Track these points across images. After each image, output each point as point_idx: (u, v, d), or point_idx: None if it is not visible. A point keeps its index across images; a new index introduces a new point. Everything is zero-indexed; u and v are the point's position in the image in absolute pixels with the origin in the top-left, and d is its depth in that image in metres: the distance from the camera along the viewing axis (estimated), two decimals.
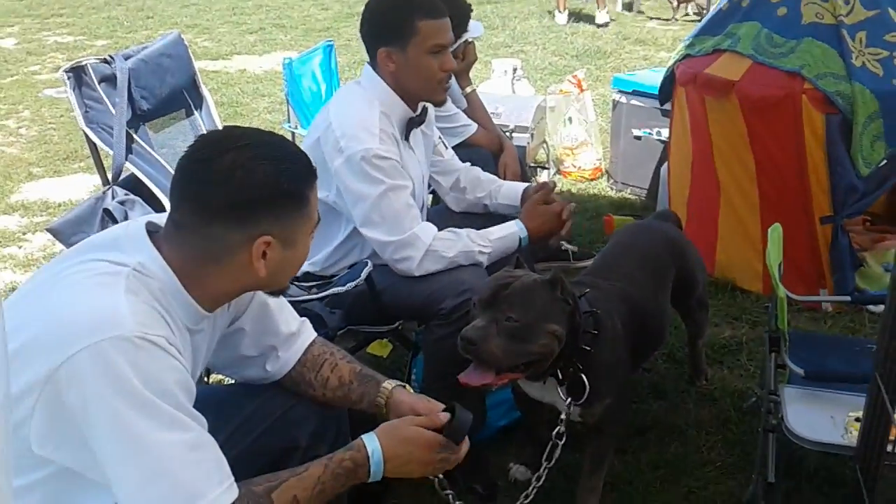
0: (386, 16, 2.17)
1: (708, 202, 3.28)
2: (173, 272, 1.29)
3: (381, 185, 2.10)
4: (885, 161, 2.88)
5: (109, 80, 2.40)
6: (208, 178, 1.28)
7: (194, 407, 1.28)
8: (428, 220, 2.42)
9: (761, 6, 3.11)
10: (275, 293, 1.48)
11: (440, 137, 2.54)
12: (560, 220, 2.34)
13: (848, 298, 2.61)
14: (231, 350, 1.55)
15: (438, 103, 2.30)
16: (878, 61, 2.87)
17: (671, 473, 2.17)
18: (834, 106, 2.83)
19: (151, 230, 1.34)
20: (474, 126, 3.10)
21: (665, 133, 3.83)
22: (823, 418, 1.88)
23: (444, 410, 1.52)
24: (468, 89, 3.23)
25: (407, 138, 2.26)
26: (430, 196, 2.52)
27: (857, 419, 1.78)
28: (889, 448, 1.63)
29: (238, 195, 1.27)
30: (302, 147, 2.34)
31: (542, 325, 1.76)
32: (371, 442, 1.42)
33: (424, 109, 2.30)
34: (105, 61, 2.42)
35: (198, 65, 2.90)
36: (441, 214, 2.57)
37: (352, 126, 2.12)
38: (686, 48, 3.39)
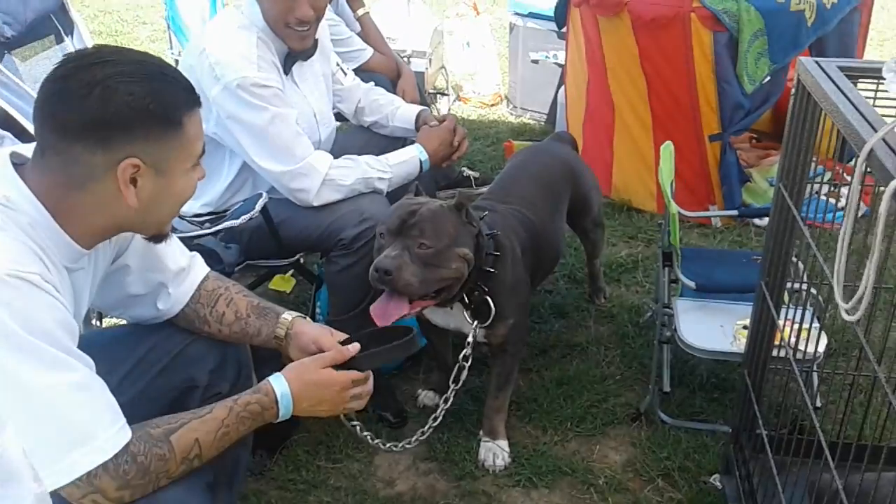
0: None
1: (603, 124, 3.32)
2: (42, 205, 1.20)
3: (265, 111, 2.01)
4: (768, 78, 2.98)
5: None
6: (67, 96, 1.18)
7: (85, 350, 1.21)
8: (335, 145, 2.36)
9: None
10: (156, 238, 1.38)
11: (338, 64, 2.45)
12: (453, 138, 2.31)
13: (735, 213, 2.72)
14: (117, 289, 1.47)
15: (293, 49, 2.12)
16: None
17: (573, 389, 2.24)
18: (721, 24, 2.89)
19: (17, 162, 1.23)
20: (370, 51, 3.01)
21: (562, 56, 3.83)
22: (713, 328, 1.97)
23: (345, 342, 1.50)
24: (360, 12, 3.12)
25: (288, 72, 2.15)
26: (334, 129, 2.45)
27: (745, 327, 1.88)
28: (773, 353, 1.73)
29: (97, 113, 1.17)
30: None
31: (453, 249, 1.77)
32: (279, 385, 1.38)
33: (313, 43, 2.20)
34: None
35: None
36: (344, 139, 2.51)
37: (227, 52, 2.02)
38: None
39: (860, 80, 1.52)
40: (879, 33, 5.59)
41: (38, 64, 2.41)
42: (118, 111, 1.18)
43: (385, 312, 1.75)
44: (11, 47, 2.33)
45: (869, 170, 1.19)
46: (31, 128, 2.17)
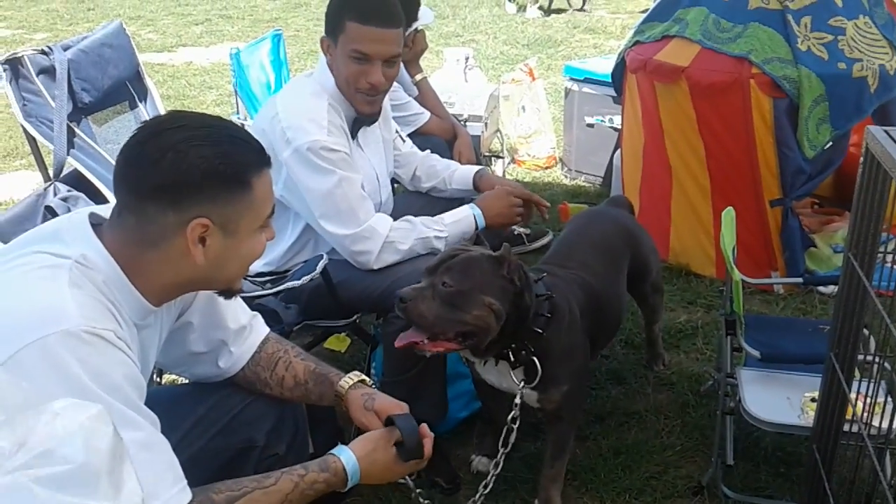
0: (331, 4, 2.12)
1: (660, 188, 3.30)
2: (117, 264, 1.24)
3: (333, 175, 2.06)
4: (830, 143, 2.94)
5: (48, 71, 2.30)
6: (143, 160, 1.23)
7: (147, 407, 1.23)
8: (393, 208, 2.39)
9: None
10: (226, 293, 1.42)
11: (398, 131, 2.51)
12: (514, 206, 2.32)
13: (800, 280, 2.65)
14: (180, 346, 1.50)
15: (360, 113, 2.16)
16: (823, 45, 2.92)
17: (632, 459, 2.18)
18: (781, 90, 2.87)
19: (94, 222, 1.28)
20: (427, 114, 3.08)
21: (617, 120, 3.85)
22: (780, 399, 1.91)
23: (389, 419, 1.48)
24: (418, 77, 3.20)
25: (355, 136, 2.21)
26: (391, 192, 2.50)
27: (813, 399, 1.81)
28: (845, 427, 1.66)
29: (170, 175, 1.22)
30: None
31: (478, 295, 1.76)
32: (349, 463, 1.39)
33: (378, 113, 2.25)
34: (43, 52, 2.33)
35: (142, 58, 2.82)
36: (403, 201, 2.55)
37: (299, 117, 2.08)
38: (636, 35, 3.41)
39: None
40: None
41: (113, 128, 2.53)
42: (189, 174, 1.22)
43: (401, 338, 1.79)
44: (88, 112, 2.46)
45: None
46: (104, 189, 2.28)
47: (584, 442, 2.26)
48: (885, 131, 1.51)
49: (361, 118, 2.20)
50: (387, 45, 2.07)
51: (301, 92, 2.16)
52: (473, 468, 2.18)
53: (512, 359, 1.88)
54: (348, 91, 2.13)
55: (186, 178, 1.22)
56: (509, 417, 1.87)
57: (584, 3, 8.88)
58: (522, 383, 1.88)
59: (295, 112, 2.09)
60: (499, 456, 1.85)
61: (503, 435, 1.87)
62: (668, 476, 2.13)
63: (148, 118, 2.67)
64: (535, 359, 1.86)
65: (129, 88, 2.64)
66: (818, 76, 2.86)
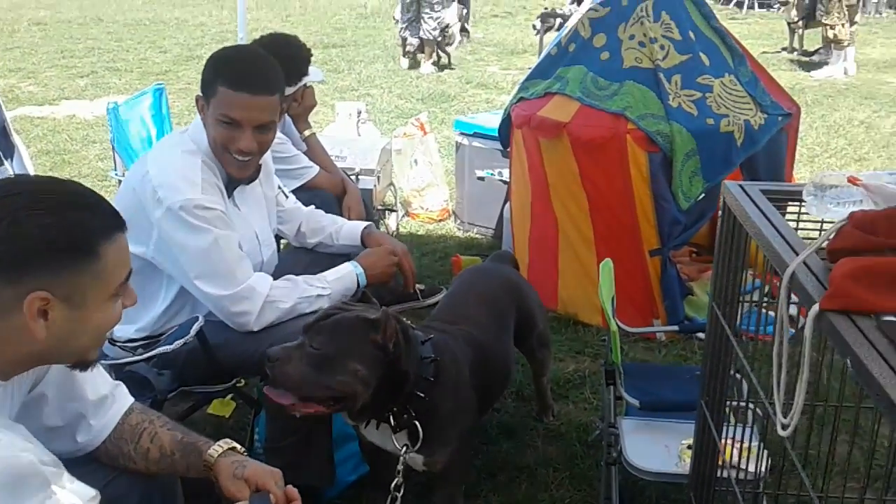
0: (206, 65, 2.09)
1: (547, 240, 3.38)
2: None
3: (208, 234, 2.00)
4: (703, 195, 3.08)
5: None
6: None
7: None
8: (278, 265, 2.34)
9: (586, 51, 3.28)
10: (80, 366, 1.33)
11: (280, 187, 2.47)
12: (391, 256, 2.33)
13: (676, 328, 2.74)
14: (33, 421, 1.39)
15: (230, 175, 2.10)
16: (693, 102, 3.08)
17: None
18: (655, 144, 3.01)
19: None
20: (316, 168, 3.06)
21: (506, 174, 3.93)
22: (659, 448, 1.95)
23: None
24: (307, 133, 3.19)
25: (230, 195, 2.16)
26: (275, 251, 2.45)
27: (689, 446, 1.86)
28: (718, 473, 1.70)
29: (5, 248, 1.14)
30: (116, 197, 2.22)
31: (345, 361, 1.74)
32: None
33: (256, 167, 2.21)
34: None
35: (21, 111, 2.72)
36: (289, 258, 2.49)
37: (171, 175, 2.01)
38: (520, 91, 3.51)
39: (788, 202, 1.58)
40: (809, 149, 5.89)
41: None
42: (25, 244, 1.15)
43: (271, 393, 1.77)
44: None
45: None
46: None
47: (475, 500, 2.23)
48: (740, 186, 1.59)
49: (236, 179, 2.15)
50: (257, 112, 2.02)
51: (174, 149, 2.10)
52: None
53: (393, 422, 1.84)
54: (219, 154, 2.08)
55: (22, 249, 1.15)
56: (392, 485, 1.83)
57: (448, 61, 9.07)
58: (405, 448, 1.85)
59: (167, 170, 2.03)
60: None
61: (388, 503, 1.82)
62: None
63: (13, 175, 2.55)
64: (416, 423, 1.84)
65: None
66: (689, 131, 3.01)
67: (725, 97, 3.15)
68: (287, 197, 2.49)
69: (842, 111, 7.08)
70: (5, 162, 2.61)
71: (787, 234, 1.36)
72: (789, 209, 1.56)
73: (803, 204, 1.36)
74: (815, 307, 1.10)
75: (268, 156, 2.33)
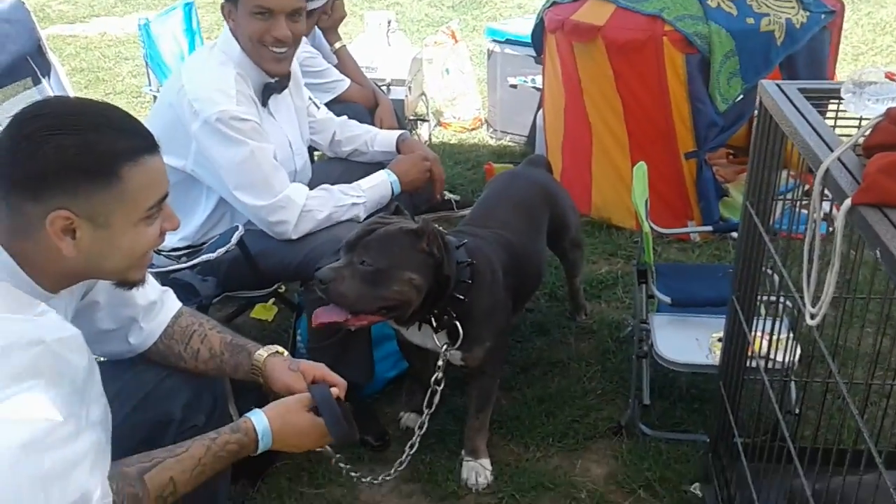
0: None
1: (581, 145, 3.36)
2: (3, 248, 1.20)
3: (244, 146, 2.03)
4: (741, 96, 3.03)
5: None
6: (4, 151, 1.18)
7: None
8: (312, 176, 2.38)
9: None
10: (123, 285, 1.36)
11: (311, 98, 2.49)
12: (424, 163, 2.35)
13: (710, 229, 2.75)
14: (87, 325, 1.45)
15: (269, 73, 2.13)
16: (732, 1, 3.00)
17: (555, 405, 2.25)
18: (693, 46, 2.94)
19: None
20: (347, 81, 3.06)
21: (539, 80, 3.89)
22: (689, 341, 2.00)
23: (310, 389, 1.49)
24: (337, 45, 3.17)
25: (265, 104, 2.18)
26: (308, 160, 2.49)
27: (720, 339, 1.90)
28: (747, 363, 1.75)
29: (26, 166, 1.17)
30: (151, 113, 2.25)
31: (398, 272, 1.78)
32: (260, 424, 1.39)
33: (287, 74, 2.22)
34: None
35: (52, 30, 2.74)
36: (322, 168, 2.53)
37: (206, 88, 2.04)
38: None
39: (830, 100, 1.56)
40: (854, 48, 5.69)
41: (15, 105, 2.44)
42: (45, 165, 1.16)
43: (322, 314, 1.79)
44: None
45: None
46: None
47: (510, 392, 2.32)
48: (777, 85, 1.57)
49: (271, 85, 2.17)
50: None
51: (206, 62, 2.12)
52: (402, 424, 2.22)
53: (434, 323, 1.90)
54: (254, 52, 2.09)
55: (42, 169, 1.16)
56: (433, 379, 1.90)
57: None
58: (445, 346, 1.92)
59: (201, 83, 2.05)
60: (423, 416, 1.89)
61: (427, 396, 1.90)
62: (589, 419, 2.21)
63: (53, 94, 2.59)
64: (457, 323, 1.90)
65: (30, 64, 2.55)
66: (728, 31, 2.94)
67: None
68: (318, 108, 2.51)
69: (889, 7, 6.77)
70: (43, 80, 2.64)
71: (823, 132, 1.35)
72: (830, 108, 1.55)
73: (842, 102, 1.35)
74: (847, 202, 1.11)
75: (296, 66, 2.34)
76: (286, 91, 2.26)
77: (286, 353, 1.60)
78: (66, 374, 1.13)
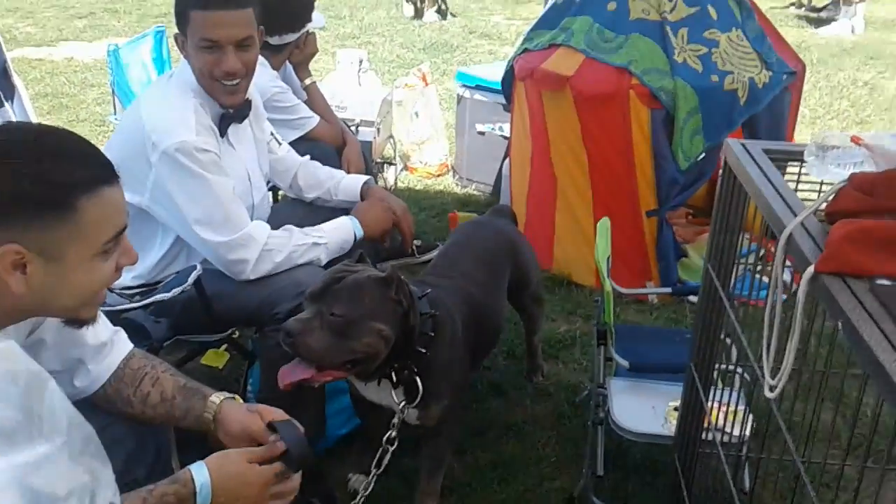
0: None
1: (545, 198, 3.35)
2: None
3: (203, 179, 1.98)
4: (703, 155, 3.05)
5: None
6: None
7: None
8: (272, 215, 2.33)
9: (593, 1, 3.19)
10: (74, 324, 1.31)
11: (272, 133, 2.44)
12: (389, 213, 2.32)
13: (669, 290, 2.74)
14: None
15: (223, 105, 2.08)
16: (699, 57, 3.02)
17: (508, 472, 2.20)
18: (658, 101, 2.96)
19: None
20: (316, 118, 3.02)
21: (507, 128, 3.88)
22: (646, 409, 1.97)
23: (270, 426, 1.45)
24: (308, 81, 3.14)
25: (223, 134, 2.13)
26: (270, 194, 2.43)
27: (676, 408, 1.88)
28: (704, 435, 1.72)
29: None
30: (108, 145, 2.20)
31: (368, 323, 1.72)
32: (200, 475, 1.32)
33: (247, 103, 2.18)
34: None
35: (18, 52, 2.69)
36: (286, 209, 2.48)
37: (165, 119, 1.99)
38: (525, 42, 3.44)
39: (789, 162, 1.56)
40: (812, 111, 5.82)
41: None
42: None
43: (288, 374, 1.72)
44: None
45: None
46: None
47: (462, 456, 2.26)
48: (742, 144, 1.57)
49: (229, 114, 2.12)
50: (233, 27, 1.99)
51: (165, 93, 2.08)
52: (350, 487, 2.15)
53: (395, 378, 1.85)
54: (207, 85, 2.05)
55: None
56: (385, 438, 1.84)
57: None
58: (403, 403, 1.86)
59: (160, 113, 2.00)
60: (370, 477, 1.83)
61: (378, 455, 1.84)
62: (542, 489, 2.16)
63: (14, 118, 2.52)
64: (417, 378, 1.85)
65: None
66: (692, 88, 2.96)
67: (731, 53, 3.10)
68: (280, 144, 2.46)
69: (847, 71, 6.98)
70: (6, 103, 2.59)
71: (786, 196, 1.35)
72: (789, 170, 1.55)
73: (804, 164, 1.35)
74: (811, 269, 1.10)
75: (257, 98, 2.31)
76: (246, 121, 2.22)
77: (241, 401, 1.54)
78: None
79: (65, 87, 5.88)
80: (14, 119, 2.53)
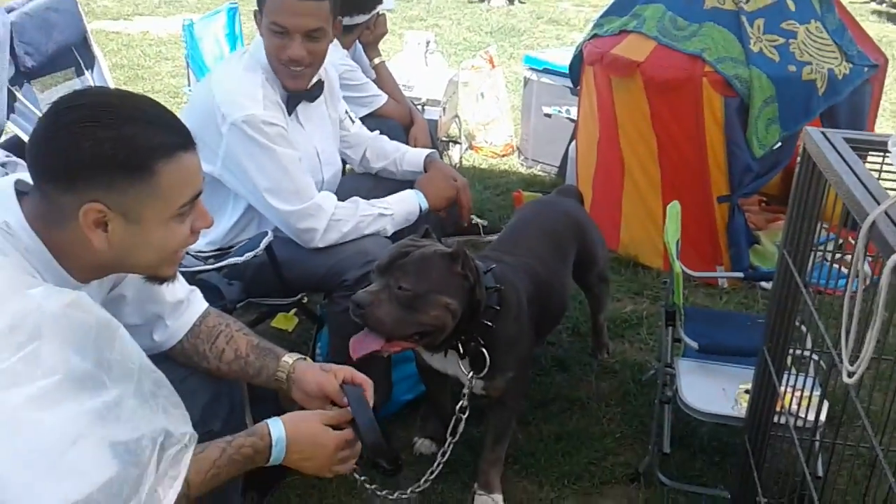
0: None
1: (612, 180, 3.34)
2: (37, 236, 1.20)
3: (271, 150, 2.03)
4: (779, 144, 3.00)
5: None
6: (40, 139, 1.18)
7: None
8: (339, 187, 2.37)
9: None
10: (154, 280, 1.36)
11: (347, 112, 2.49)
12: (451, 184, 2.34)
13: (741, 275, 2.71)
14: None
15: (285, 88, 2.12)
16: (775, 47, 2.97)
17: (572, 445, 2.21)
18: (732, 89, 2.92)
19: (21, 189, 1.23)
20: (384, 97, 3.06)
21: (574, 111, 3.88)
22: (715, 390, 1.95)
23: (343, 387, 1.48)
24: (377, 60, 3.18)
25: (291, 112, 2.16)
26: (339, 172, 2.48)
27: (747, 391, 1.86)
28: (775, 419, 1.70)
29: (62, 158, 1.16)
30: (182, 116, 2.25)
31: (435, 296, 1.75)
32: (276, 430, 1.37)
33: (318, 84, 2.22)
34: None
35: (96, 25, 2.79)
36: (352, 182, 2.53)
37: (233, 92, 2.04)
38: (594, 28, 3.43)
39: (869, 152, 1.53)
40: (893, 104, 5.64)
41: (57, 94, 2.46)
42: (80, 157, 1.15)
43: (359, 345, 1.75)
44: (32, 77, 2.40)
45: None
46: None
47: (527, 427, 2.28)
48: (822, 133, 1.54)
49: (298, 94, 2.16)
50: (304, 17, 2.01)
51: (235, 67, 2.13)
52: (416, 450, 2.18)
53: (461, 350, 1.88)
54: (274, 65, 2.09)
55: (77, 161, 1.15)
56: (458, 407, 1.87)
57: None
58: (471, 374, 1.89)
59: (229, 87, 2.06)
60: (446, 444, 1.85)
61: (451, 424, 1.87)
62: (606, 462, 2.17)
63: (94, 86, 2.62)
64: (484, 350, 1.87)
65: (75, 55, 2.58)
66: (769, 77, 2.91)
67: (809, 44, 3.03)
68: (353, 122, 2.51)
69: None
70: (86, 72, 2.68)
71: (869, 184, 1.32)
72: (870, 159, 1.52)
73: (887, 155, 1.32)
74: (894, 257, 1.08)
75: (333, 76, 2.34)
76: (320, 101, 2.26)
77: (311, 361, 1.58)
78: (68, 332, 1.11)
79: (140, 59, 6.04)
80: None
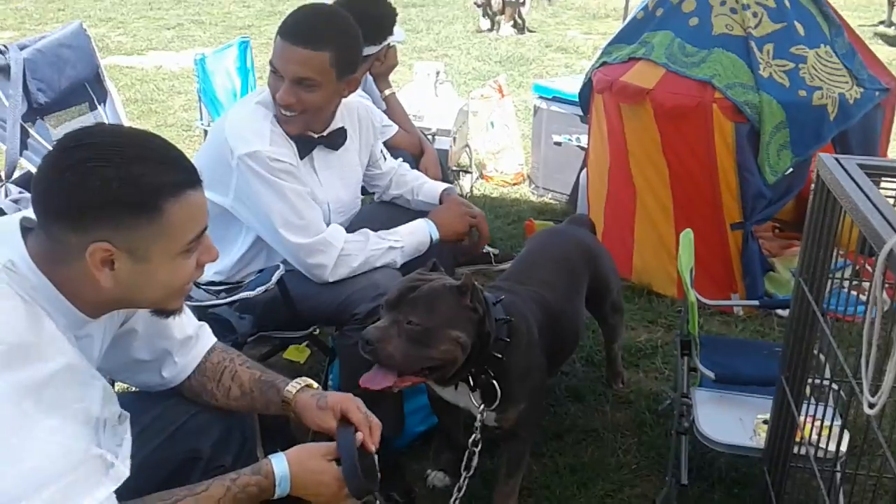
0: None
1: (624, 208, 3.33)
2: (42, 273, 1.20)
3: (277, 185, 2.03)
4: (791, 170, 2.98)
5: (3, 70, 2.27)
6: (46, 178, 1.18)
7: None
8: (357, 219, 2.37)
9: (674, 16, 3.18)
10: (161, 314, 1.36)
11: (382, 151, 2.49)
12: (466, 216, 2.34)
13: (756, 303, 2.68)
14: (123, 352, 1.47)
15: (286, 131, 2.10)
16: (785, 73, 2.97)
17: (587, 477, 2.18)
18: (743, 115, 2.91)
19: (27, 226, 1.23)
20: (395, 127, 3.08)
21: (584, 139, 3.88)
22: (733, 420, 1.92)
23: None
24: (387, 92, 3.20)
25: (304, 156, 2.15)
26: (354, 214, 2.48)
27: (765, 421, 1.83)
28: (794, 450, 1.67)
29: (67, 198, 1.16)
30: (201, 148, 2.28)
31: (445, 331, 1.74)
32: (280, 467, 1.37)
33: (339, 132, 2.21)
34: None
35: (111, 60, 2.83)
36: (367, 212, 2.52)
37: (242, 128, 2.07)
38: (603, 55, 3.44)
39: (883, 178, 1.52)
40: None
41: (70, 129, 2.49)
42: (88, 197, 1.15)
43: (370, 382, 1.74)
44: (44, 113, 2.43)
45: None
46: None
47: (541, 459, 2.25)
48: (836, 159, 1.53)
49: (314, 139, 2.16)
50: (294, 64, 2.00)
51: (248, 103, 2.15)
52: (429, 483, 2.16)
53: (472, 382, 1.86)
54: (276, 106, 2.09)
55: (84, 201, 1.15)
56: (470, 441, 1.85)
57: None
58: (482, 406, 1.87)
59: (238, 122, 2.09)
60: (461, 480, 1.83)
61: (465, 459, 1.84)
62: (622, 494, 2.13)
63: (108, 121, 2.64)
64: (494, 382, 1.85)
65: (87, 90, 2.61)
66: (779, 103, 2.90)
67: (820, 69, 3.03)
68: (385, 160, 2.51)
69: None
70: (99, 107, 2.71)
71: (885, 211, 1.30)
72: (883, 185, 1.51)
73: None
74: None
75: (369, 121, 2.34)
76: (346, 148, 2.25)
77: (315, 385, 1.56)
78: None
79: (154, 93, 6.12)
80: (107, 122, 2.65)
